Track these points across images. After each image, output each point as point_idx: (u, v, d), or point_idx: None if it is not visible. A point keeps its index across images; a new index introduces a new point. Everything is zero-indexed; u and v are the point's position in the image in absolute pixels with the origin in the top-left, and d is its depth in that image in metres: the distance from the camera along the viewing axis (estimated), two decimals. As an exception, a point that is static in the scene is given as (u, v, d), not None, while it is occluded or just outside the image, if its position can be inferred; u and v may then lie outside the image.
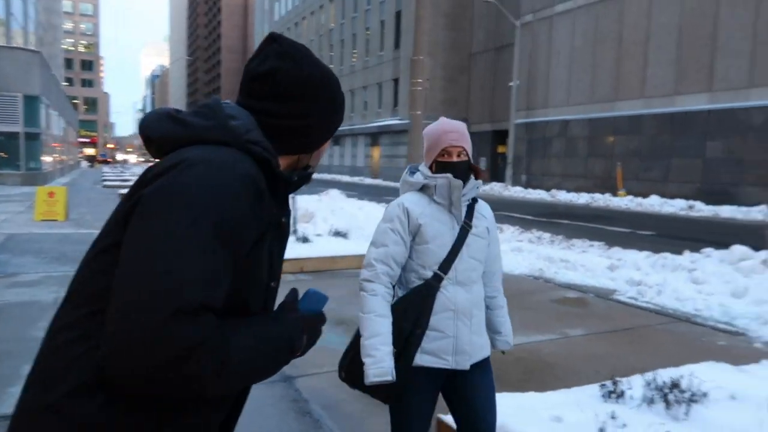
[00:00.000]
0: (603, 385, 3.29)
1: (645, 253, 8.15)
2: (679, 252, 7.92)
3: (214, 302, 0.93)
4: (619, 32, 26.41)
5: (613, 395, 3.21)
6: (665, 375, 3.38)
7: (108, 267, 0.98)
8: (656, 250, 8.37)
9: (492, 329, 2.33)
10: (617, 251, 9.04)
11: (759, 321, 5.65)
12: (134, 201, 0.99)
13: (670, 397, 3.07)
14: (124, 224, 0.99)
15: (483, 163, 37.17)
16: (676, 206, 20.83)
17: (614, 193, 24.71)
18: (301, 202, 11.57)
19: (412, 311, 2.08)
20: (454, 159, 2.15)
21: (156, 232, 0.92)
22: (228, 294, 0.99)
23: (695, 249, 7.90)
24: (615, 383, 3.28)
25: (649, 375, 3.41)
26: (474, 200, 2.23)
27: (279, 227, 1.17)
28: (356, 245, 8.88)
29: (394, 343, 2.04)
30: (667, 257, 7.64)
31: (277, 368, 1.11)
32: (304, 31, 58.70)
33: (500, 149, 35.73)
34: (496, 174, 35.18)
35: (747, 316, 5.83)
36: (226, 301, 0.99)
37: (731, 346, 5.10)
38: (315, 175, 1.37)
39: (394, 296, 2.16)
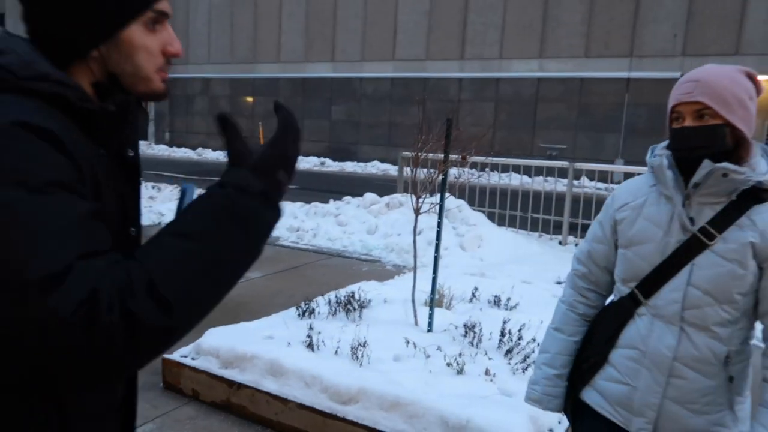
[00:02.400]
0: (298, 307, 4.08)
1: (299, 204, 9.39)
2: (326, 201, 9.39)
3: (87, 246, 0.73)
4: (255, -4, 27.69)
5: (307, 313, 4.02)
6: (342, 293, 4.36)
7: None
8: (307, 200, 9.70)
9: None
10: (274, 203, 10.08)
11: (387, 250, 7.35)
12: None
13: (349, 307, 4.05)
14: None
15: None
16: (311, 162, 23.57)
17: (257, 151, 26.38)
18: None
19: (598, 333, 1.57)
20: (686, 122, 1.37)
21: None
22: None
23: (337, 198, 9.48)
24: (307, 304, 4.10)
25: (330, 295, 4.35)
26: (752, 197, 1.35)
27: (124, 163, 0.96)
28: None
29: (571, 366, 1.65)
30: (318, 206, 9.02)
31: (258, 234, 0.83)
32: None
33: (138, 104, 33.69)
34: (134, 131, 33.20)
35: (379, 247, 7.50)
36: None
37: (373, 269, 6.59)
38: None
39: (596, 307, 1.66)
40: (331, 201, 9.28)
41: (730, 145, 1.35)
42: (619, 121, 19.68)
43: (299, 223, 8.53)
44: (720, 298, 1.36)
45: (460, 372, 3.17)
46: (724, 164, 1.32)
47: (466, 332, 3.70)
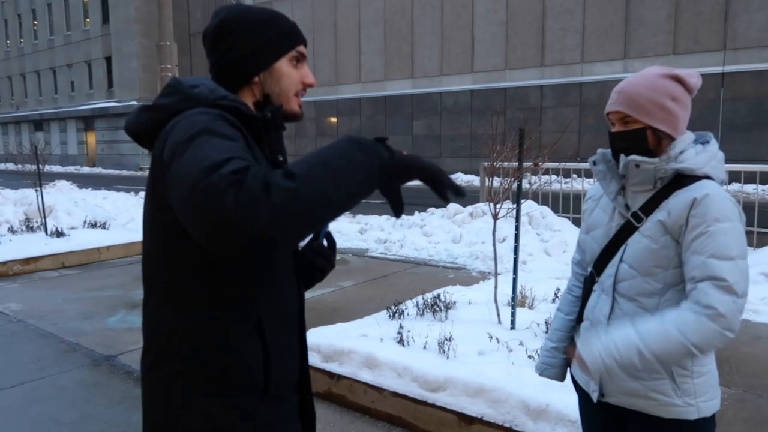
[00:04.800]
0: (389, 309, 4.42)
1: (385, 217, 9.81)
2: (411, 213, 9.75)
3: (242, 161, 0.96)
4: (334, 22, 28.85)
5: (397, 314, 4.35)
6: (428, 296, 4.67)
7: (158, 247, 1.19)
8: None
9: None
10: (362, 218, 10.59)
11: (472, 257, 7.57)
12: (158, 167, 1.13)
13: (435, 308, 4.34)
14: (155, 185, 1.16)
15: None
16: (394, 178, 24.11)
17: (342, 170, 27.38)
18: (25, 195, 10.51)
19: (580, 312, 1.75)
20: (616, 127, 1.58)
21: (184, 158, 1.00)
22: None
23: (422, 210, 9.81)
24: (397, 306, 4.43)
25: (417, 299, 4.67)
26: (676, 183, 1.50)
27: (275, 166, 1.23)
28: (119, 235, 8.69)
29: (568, 341, 1.81)
30: (403, 218, 9.38)
31: (370, 177, 1.02)
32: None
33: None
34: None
35: (464, 255, 7.74)
36: None
37: (458, 276, 6.84)
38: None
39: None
40: (416, 213, 9.61)
41: (652, 143, 1.52)
42: (716, 118, 18.71)
43: (386, 235, 8.93)
44: (641, 271, 1.51)
45: (541, 364, 3.37)
46: (632, 156, 1.51)
47: (547, 329, 3.88)
